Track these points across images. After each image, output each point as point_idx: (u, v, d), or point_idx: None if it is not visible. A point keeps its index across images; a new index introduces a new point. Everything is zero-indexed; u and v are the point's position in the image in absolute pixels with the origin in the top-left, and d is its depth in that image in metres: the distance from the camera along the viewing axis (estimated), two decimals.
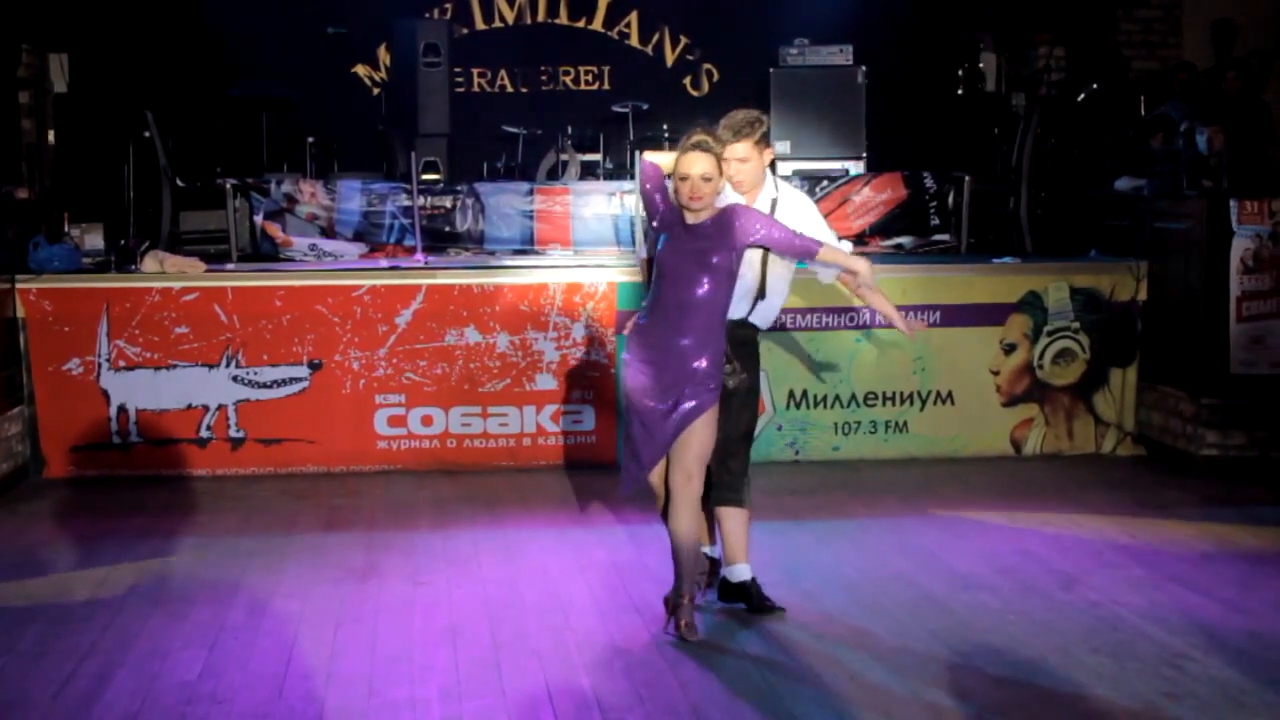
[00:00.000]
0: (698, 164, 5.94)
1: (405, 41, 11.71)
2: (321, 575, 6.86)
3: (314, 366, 9.04)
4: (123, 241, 9.72)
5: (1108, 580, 6.70)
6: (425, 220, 10.38)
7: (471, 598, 6.51)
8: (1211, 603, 6.35)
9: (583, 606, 6.37)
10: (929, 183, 10.76)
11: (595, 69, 13.50)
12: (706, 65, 13.58)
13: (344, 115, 12.58)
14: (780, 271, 6.25)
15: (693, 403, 5.92)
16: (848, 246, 6.35)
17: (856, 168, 11.38)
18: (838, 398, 9.34)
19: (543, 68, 13.49)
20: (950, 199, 10.72)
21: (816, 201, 10.53)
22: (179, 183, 10.55)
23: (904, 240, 10.68)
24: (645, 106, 12.09)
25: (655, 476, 6.11)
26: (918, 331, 6.56)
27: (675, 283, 5.98)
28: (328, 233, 10.53)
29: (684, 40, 13.57)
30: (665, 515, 6.13)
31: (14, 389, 8.80)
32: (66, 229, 9.65)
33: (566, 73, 13.49)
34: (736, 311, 6.21)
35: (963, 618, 6.18)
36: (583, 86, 13.49)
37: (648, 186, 6.12)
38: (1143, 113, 12.07)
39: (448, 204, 10.60)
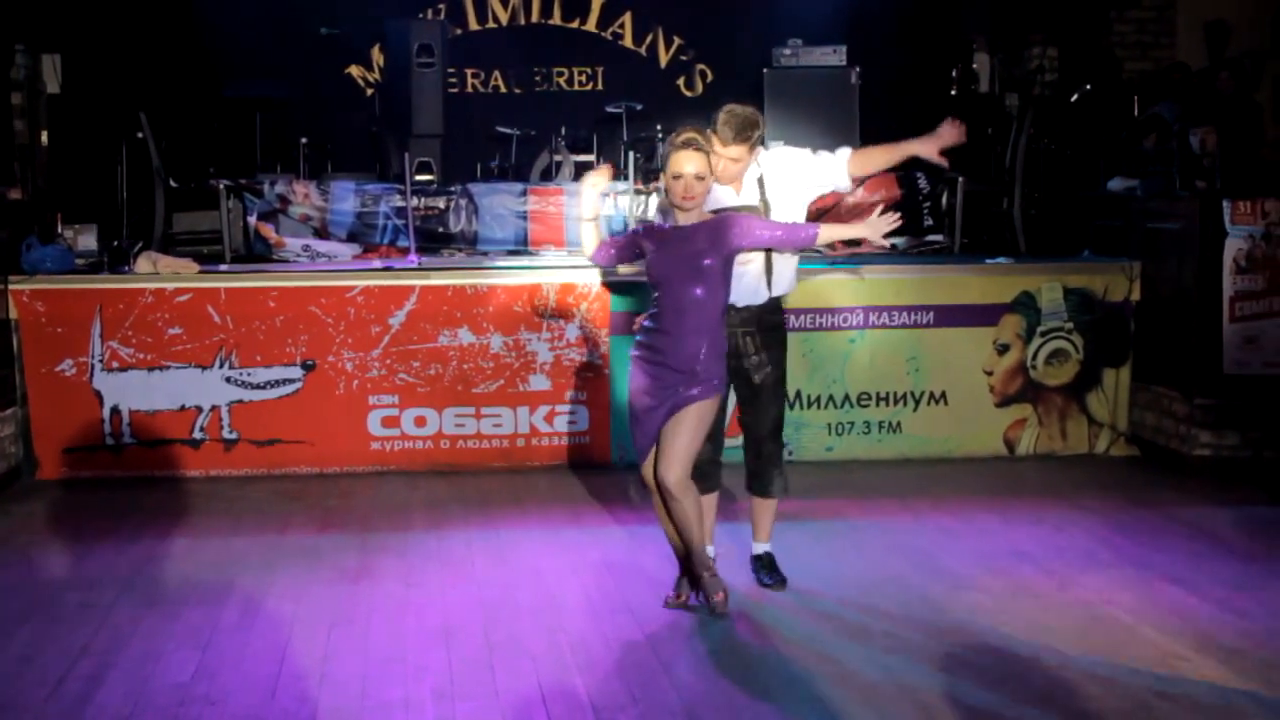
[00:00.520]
0: (690, 163, 5.96)
1: (399, 42, 11.69)
2: (315, 576, 6.86)
3: (307, 367, 9.03)
4: (116, 242, 9.71)
5: (1101, 580, 6.71)
6: (419, 221, 10.36)
7: (465, 598, 6.51)
8: (1204, 603, 6.35)
9: (576, 607, 6.37)
10: (922, 183, 10.76)
11: (589, 70, 13.48)
12: (700, 66, 13.57)
13: (337, 116, 12.55)
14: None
15: (691, 391, 6.02)
16: (846, 153, 6.48)
17: None
18: (831, 398, 9.34)
19: (536, 68, 13.47)
20: (944, 199, 10.72)
21: (812, 204, 10.64)
22: (172, 183, 10.52)
23: (897, 241, 10.67)
24: (639, 107, 12.08)
25: (647, 470, 6.14)
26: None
27: (669, 288, 6.03)
28: (321, 234, 10.51)
29: (677, 41, 13.56)
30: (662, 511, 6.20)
31: (7, 390, 8.79)
32: (59, 230, 9.64)
33: (560, 73, 13.48)
34: (758, 295, 6.34)
35: (956, 617, 6.18)
36: (576, 87, 13.48)
37: (613, 251, 6.33)
38: (1136, 113, 12.08)
39: (441, 205, 10.59)
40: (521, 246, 10.53)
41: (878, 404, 9.35)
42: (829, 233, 6.28)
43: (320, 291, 9.06)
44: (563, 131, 12.08)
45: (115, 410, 8.91)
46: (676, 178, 5.98)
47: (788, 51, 11.86)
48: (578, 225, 6.55)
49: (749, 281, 6.36)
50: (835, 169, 6.53)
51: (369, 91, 13.09)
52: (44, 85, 10.98)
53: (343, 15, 12.58)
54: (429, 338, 9.09)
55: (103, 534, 7.66)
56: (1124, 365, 9.62)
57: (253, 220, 10.43)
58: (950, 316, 9.33)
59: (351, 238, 10.53)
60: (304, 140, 11.60)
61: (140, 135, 10.43)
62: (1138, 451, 9.56)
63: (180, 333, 8.93)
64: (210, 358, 8.95)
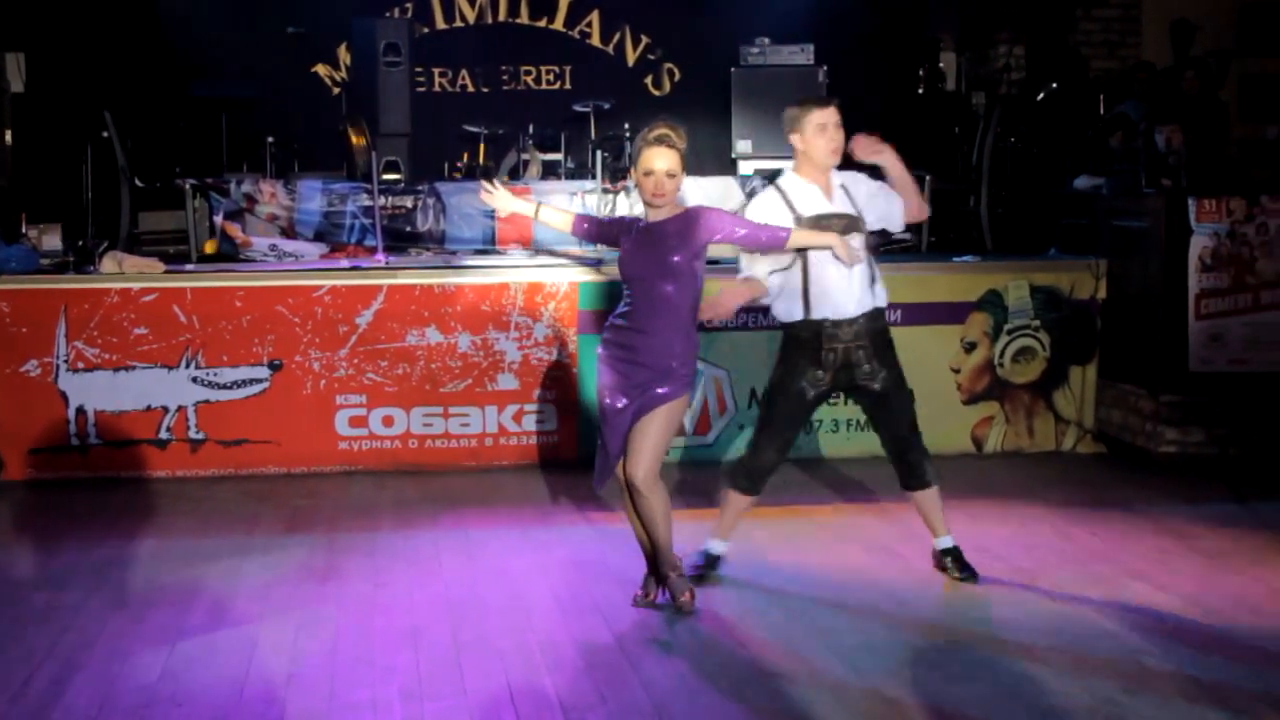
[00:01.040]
0: (662, 159, 5.96)
1: (365, 41, 11.68)
2: (282, 577, 6.83)
3: (274, 367, 9.00)
4: (81, 242, 9.67)
5: (1068, 577, 6.72)
6: (386, 220, 10.35)
7: (433, 598, 6.50)
8: (1171, 599, 6.38)
9: (545, 606, 6.36)
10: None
11: (556, 68, 13.48)
12: (668, 65, 13.59)
13: (304, 115, 12.52)
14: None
15: (661, 390, 6.01)
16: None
17: None
18: None
19: (504, 67, 13.47)
20: None
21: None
22: (138, 183, 10.49)
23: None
24: (607, 106, 12.09)
25: (620, 469, 6.16)
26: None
27: (641, 285, 6.02)
28: (288, 233, 10.49)
29: (645, 40, 13.57)
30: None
31: None
32: (24, 229, 9.59)
33: (528, 72, 13.48)
34: (864, 305, 6.39)
35: (924, 614, 6.20)
36: (544, 86, 13.48)
37: (587, 226, 6.34)
38: (1102, 112, 12.14)
39: (409, 204, 10.58)
40: (489, 246, 10.53)
41: (845, 402, 9.34)
42: (800, 238, 6.24)
43: (287, 291, 9.02)
44: (530, 130, 12.08)
45: (81, 411, 8.87)
46: (647, 174, 5.96)
47: (755, 50, 11.89)
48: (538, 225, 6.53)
49: (856, 292, 6.38)
50: (894, 211, 6.57)
51: (336, 91, 13.07)
52: (8, 84, 10.95)
53: (309, 14, 12.55)
54: (396, 337, 9.07)
55: (69, 535, 7.62)
56: (1090, 363, 9.66)
57: (219, 220, 10.41)
58: (917, 315, 9.35)
59: (318, 237, 10.51)
60: (270, 139, 11.57)
61: (105, 134, 10.40)
62: (1104, 449, 9.60)
63: (146, 333, 8.88)
64: (176, 358, 8.91)
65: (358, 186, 10.64)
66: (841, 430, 9.38)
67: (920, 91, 12.82)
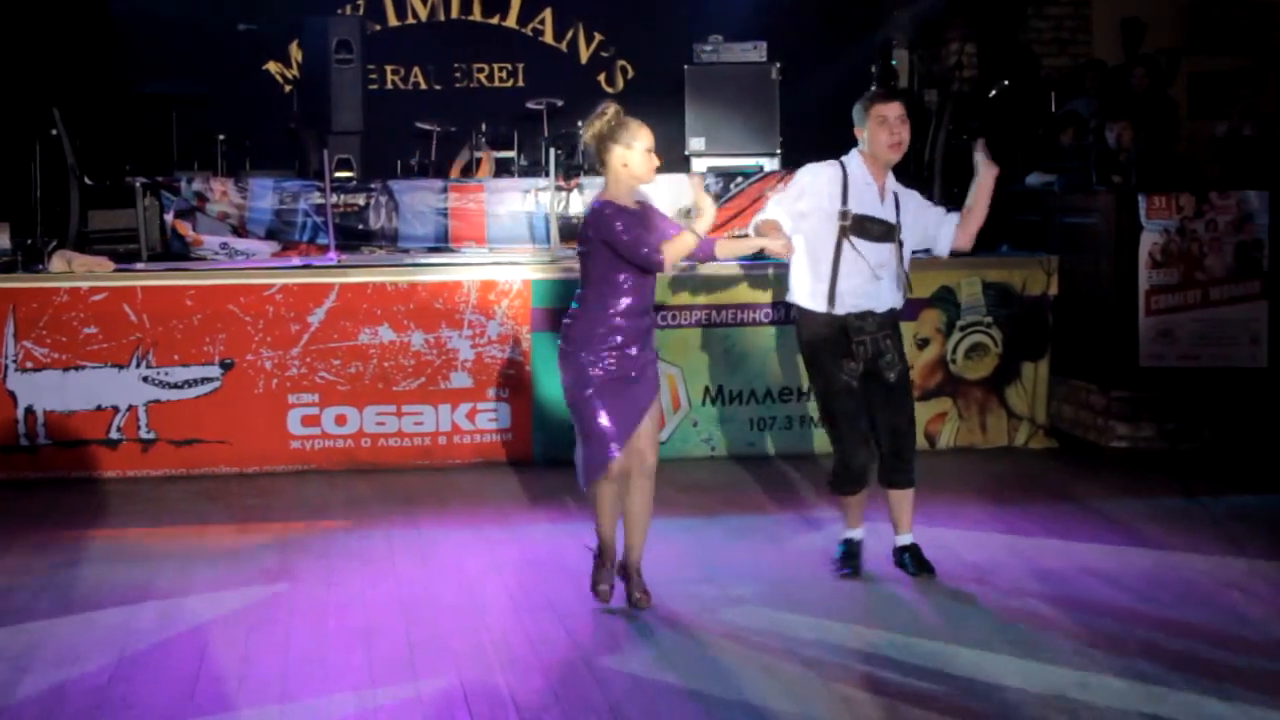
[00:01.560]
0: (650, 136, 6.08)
1: (317, 38, 11.61)
2: (234, 577, 6.79)
3: (226, 366, 8.95)
4: (30, 241, 9.58)
5: (1020, 572, 6.75)
6: (338, 218, 10.30)
7: (386, 598, 6.47)
8: (1121, 593, 6.41)
9: (498, 605, 6.34)
10: None
11: (509, 66, 13.45)
12: (621, 62, 13.58)
13: (255, 113, 12.44)
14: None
15: (656, 373, 6.21)
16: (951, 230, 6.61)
17: (771, 164, 11.43)
18: (753, 393, 9.36)
19: (456, 65, 13.42)
20: None
21: (730, 198, 10.67)
22: (87, 181, 10.40)
23: None
24: (560, 103, 12.06)
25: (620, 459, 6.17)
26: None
27: (637, 272, 6.07)
28: (239, 231, 10.43)
29: (598, 37, 13.55)
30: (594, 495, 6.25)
31: None
32: None
33: (480, 70, 13.44)
34: (897, 299, 6.51)
35: (877, 611, 6.21)
36: (497, 83, 13.45)
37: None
38: (1053, 109, 12.20)
39: (361, 202, 10.53)
40: (442, 243, 10.50)
41: (799, 399, 9.37)
42: (728, 248, 6.28)
43: (239, 290, 8.98)
44: (483, 128, 12.05)
45: (30, 411, 8.80)
46: (650, 150, 6.03)
47: (708, 48, 11.88)
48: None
49: (889, 285, 6.46)
50: (942, 238, 6.67)
51: (287, 88, 13.00)
52: None
53: (260, 11, 12.48)
54: (349, 336, 9.04)
55: (18, 536, 7.55)
56: (1042, 359, 9.71)
57: (169, 218, 10.33)
58: None
59: (270, 235, 10.46)
60: (221, 137, 11.50)
61: (54, 132, 10.31)
62: (1056, 444, 9.65)
63: (96, 332, 8.82)
64: (127, 357, 8.85)
65: (310, 184, 10.59)
66: (795, 427, 9.40)
67: (873, 89, 12.84)
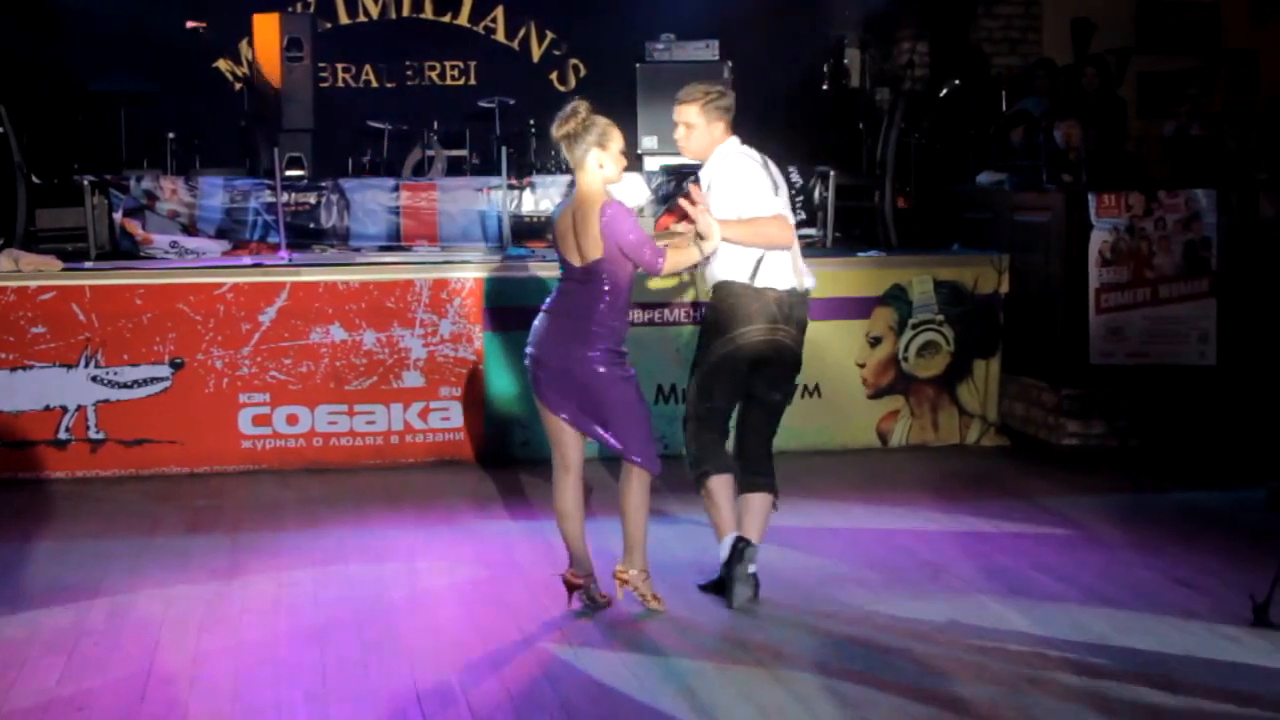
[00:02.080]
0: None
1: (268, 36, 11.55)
2: (185, 577, 6.75)
3: (176, 366, 8.89)
4: None
5: (972, 569, 6.78)
6: (289, 217, 10.25)
7: (338, 598, 6.44)
8: (1072, 590, 6.45)
9: (451, 604, 6.33)
10: (794, 177, 10.81)
11: (461, 64, 13.42)
12: (573, 60, 13.57)
13: (205, 111, 12.37)
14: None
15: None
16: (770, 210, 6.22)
17: None
18: None
19: (408, 63, 13.38)
20: (815, 193, 10.79)
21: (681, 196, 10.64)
22: (34, 179, 10.32)
23: None
24: (511, 102, 12.04)
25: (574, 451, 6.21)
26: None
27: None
28: (189, 230, 10.36)
29: (550, 35, 13.54)
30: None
31: None
32: None
33: (432, 68, 13.41)
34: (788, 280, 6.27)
35: (830, 609, 6.22)
36: (449, 82, 13.41)
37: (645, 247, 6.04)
38: (1004, 108, 12.26)
39: (312, 200, 10.48)
40: (394, 242, 10.46)
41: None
42: (676, 259, 6.15)
43: (189, 289, 8.92)
44: (435, 126, 12.01)
45: None
46: (622, 151, 6.03)
47: (660, 46, 11.88)
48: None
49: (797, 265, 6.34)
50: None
51: (238, 86, 12.92)
52: None
53: (210, 8, 12.39)
54: (300, 335, 8.99)
55: None
56: (994, 357, 9.75)
57: (118, 217, 10.25)
58: (823, 310, 9.33)
59: (221, 234, 10.40)
60: (171, 135, 11.42)
61: (0, 130, 10.22)
62: (1008, 441, 9.70)
63: (44, 331, 8.75)
64: (75, 357, 8.78)
65: (260, 183, 10.53)
66: None
67: (825, 88, 12.88)
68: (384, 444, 9.13)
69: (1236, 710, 5.06)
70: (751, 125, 12.09)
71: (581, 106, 6.03)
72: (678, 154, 11.34)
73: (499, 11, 13.47)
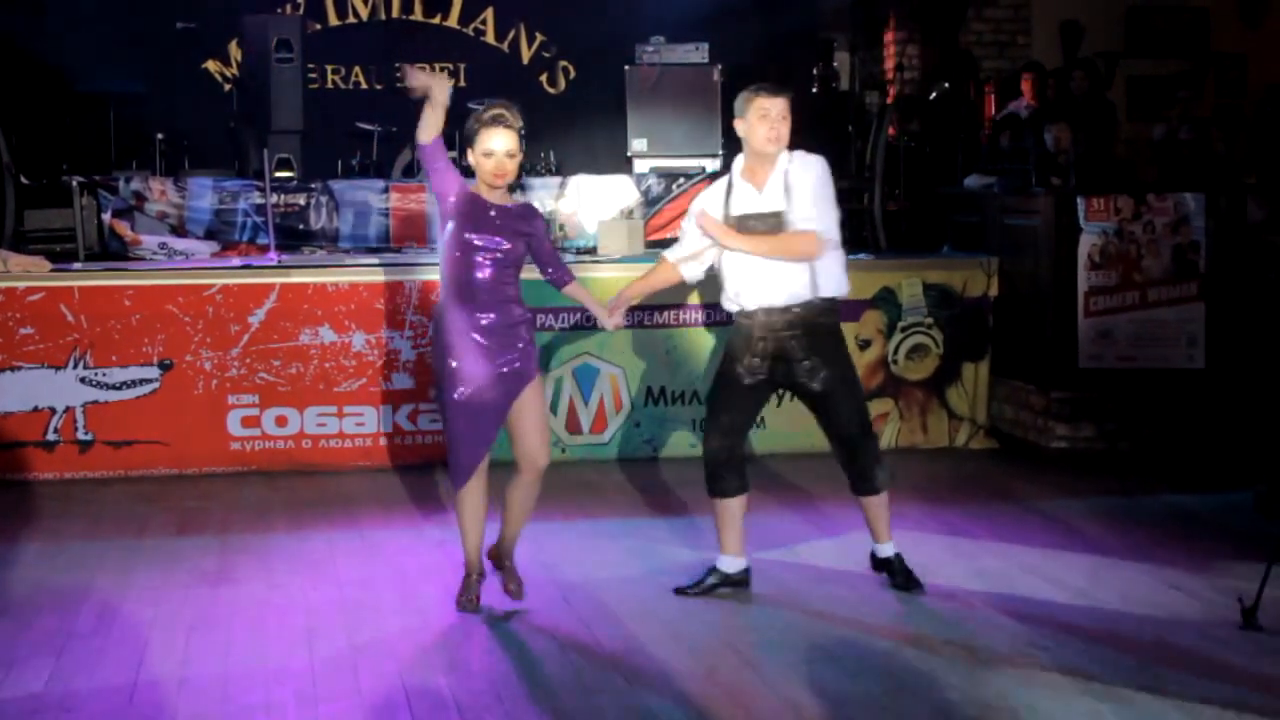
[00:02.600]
0: (501, 139, 6.00)
1: (257, 37, 11.52)
2: (173, 579, 6.74)
3: (165, 367, 8.88)
4: None
5: (961, 572, 6.79)
6: (279, 218, 10.24)
7: (327, 600, 6.44)
8: (1061, 592, 6.46)
9: (440, 606, 6.32)
10: None
11: (451, 66, 13.38)
12: (563, 62, 13.55)
13: (195, 112, 12.33)
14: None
15: (525, 367, 6.06)
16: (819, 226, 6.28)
17: (713, 165, 11.43)
18: (695, 394, 9.37)
19: (398, 64, 13.35)
20: None
21: (672, 199, 10.68)
22: (23, 180, 10.30)
23: None
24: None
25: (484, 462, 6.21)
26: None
27: (486, 263, 5.99)
28: (178, 231, 10.35)
29: (540, 37, 13.52)
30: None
31: None
32: None
33: (422, 69, 13.36)
34: (798, 296, 6.21)
35: (819, 612, 6.22)
36: None
37: (440, 164, 6.10)
38: (993, 111, 12.28)
39: (302, 201, 10.48)
40: (383, 243, 10.46)
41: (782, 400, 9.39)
42: (578, 292, 6.30)
43: (178, 290, 8.91)
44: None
45: None
46: (487, 155, 5.98)
47: (650, 49, 11.88)
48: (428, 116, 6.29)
49: (789, 281, 6.22)
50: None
51: (227, 87, 12.89)
52: None
53: (199, 9, 12.36)
54: (290, 336, 8.98)
55: None
56: (983, 360, 9.76)
57: (107, 218, 10.24)
58: None
59: (210, 235, 10.38)
60: (160, 136, 11.39)
61: None
62: (997, 444, 9.71)
63: (32, 332, 8.73)
64: (64, 358, 8.76)
65: (250, 184, 10.52)
66: None
67: (814, 91, 12.88)
68: (373, 446, 9.12)
69: (1225, 713, 5.06)
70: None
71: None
72: (667, 156, 11.46)
73: (489, 13, 13.45)
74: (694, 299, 9.25)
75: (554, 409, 9.19)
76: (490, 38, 13.47)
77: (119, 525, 7.83)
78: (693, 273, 6.51)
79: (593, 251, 10.09)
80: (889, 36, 13.73)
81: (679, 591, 6.43)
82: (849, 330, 9.40)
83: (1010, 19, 13.78)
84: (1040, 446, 9.27)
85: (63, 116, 11.67)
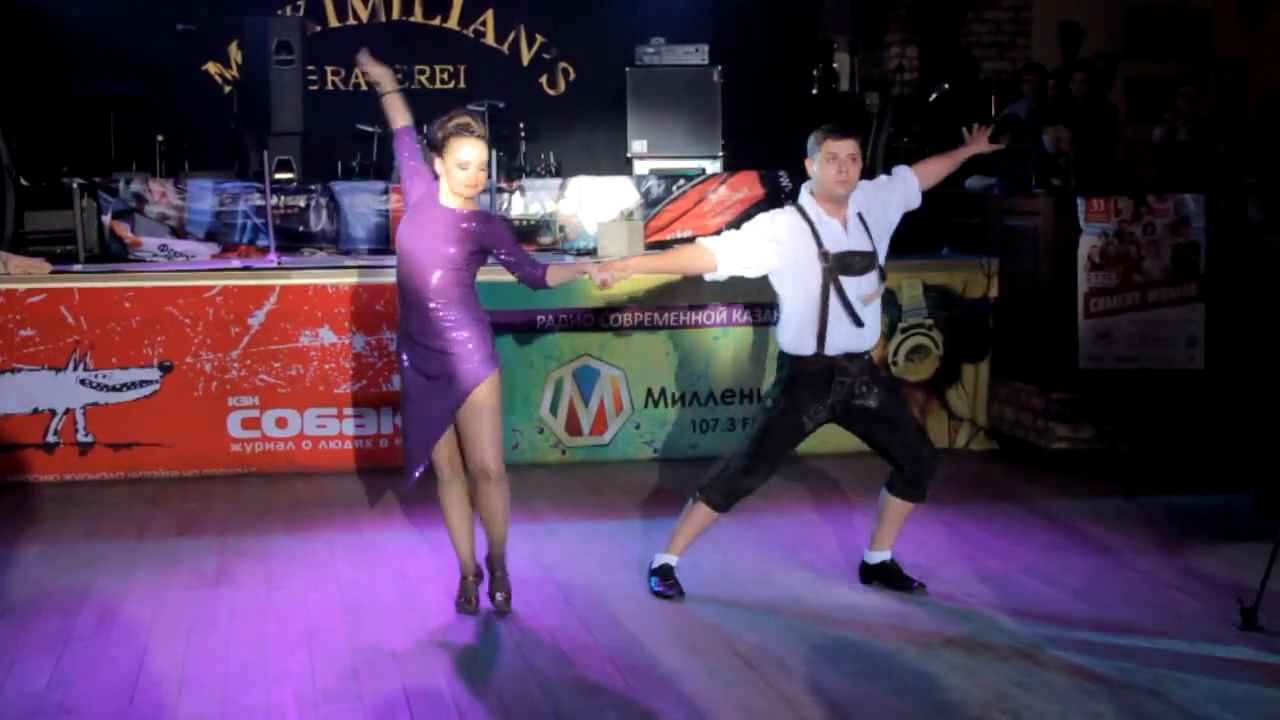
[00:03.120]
0: (474, 150, 5.95)
1: (257, 39, 11.53)
2: (173, 581, 6.74)
3: (165, 369, 8.88)
4: None
5: (961, 573, 6.79)
6: (279, 220, 10.25)
7: (328, 601, 6.44)
8: (1061, 593, 6.46)
9: (440, 608, 6.32)
10: (785, 181, 10.84)
11: (451, 68, 13.40)
12: (563, 64, 13.55)
13: (195, 113, 12.34)
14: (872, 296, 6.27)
15: (468, 369, 6.00)
16: (909, 172, 6.48)
17: (713, 166, 11.45)
18: (695, 395, 9.37)
19: (397, 66, 13.23)
20: None
21: (672, 201, 10.68)
22: (23, 182, 10.30)
23: None
24: (501, 105, 12.03)
25: (448, 461, 6.21)
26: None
27: (428, 267, 5.96)
28: (178, 233, 10.35)
29: (540, 39, 13.52)
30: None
31: None
32: None
33: (422, 71, 13.38)
34: (874, 337, 6.29)
35: (819, 612, 6.22)
36: (438, 85, 13.39)
37: (410, 159, 6.12)
38: (993, 113, 12.27)
39: (301, 203, 10.48)
40: (383, 245, 10.46)
41: (741, 401, 9.40)
42: (558, 274, 6.17)
43: (178, 292, 8.91)
44: (424, 130, 11.96)
45: None
46: (462, 167, 5.93)
47: (650, 50, 11.88)
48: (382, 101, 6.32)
49: (873, 320, 6.25)
50: (910, 190, 6.59)
51: (227, 89, 12.89)
52: None
53: (199, 11, 12.37)
54: (290, 338, 8.99)
55: None
56: (983, 361, 9.76)
57: (107, 219, 10.24)
58: None
59: (210, 237, 10.39)
60: (160, 138, 11.40)
61: None
62: (997, 445, 9.71)
63: (32, 334, 8.73)
64: (64, 360, 8.77)
65: (250, 186, 10.52)
66: (737, 429, 9.40)
67: (814, 92, 12.88)
68: (373, 447, 9.12)
69: (1225, 713, 5.06)
70: (742, 129, 12.15)
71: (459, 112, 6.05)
72: (667, 157, 11.47)
73: (489, 15, 13.45)
74: (694, 300, 9.25)
75: (554, 410, 9.21)
76: (490, 39, 13.47)
77: (119, 527, 7.83)
78: (726, 274, 6.36)
79: (593, 253, 10.10)
80: (889, 38, 13.72)
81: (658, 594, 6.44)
82: None
83: (1010, 20, 13.76)
84: (1040, 447, 9.27)
85: (63, 118, 11.68)
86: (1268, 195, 9.58)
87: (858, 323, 6.19)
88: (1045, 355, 9.35)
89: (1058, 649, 5.71)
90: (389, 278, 9.11)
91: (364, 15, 13.28)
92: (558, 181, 11.07)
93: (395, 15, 13.32)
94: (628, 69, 11.77)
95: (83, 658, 5.69)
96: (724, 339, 9.35)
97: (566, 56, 13.52)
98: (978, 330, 9.74)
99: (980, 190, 10.60)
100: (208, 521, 7.95)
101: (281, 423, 9.03)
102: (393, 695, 5.28)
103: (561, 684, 5.39)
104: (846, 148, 6.18)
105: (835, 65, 13.19)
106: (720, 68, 11.79)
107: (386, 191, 10.59)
